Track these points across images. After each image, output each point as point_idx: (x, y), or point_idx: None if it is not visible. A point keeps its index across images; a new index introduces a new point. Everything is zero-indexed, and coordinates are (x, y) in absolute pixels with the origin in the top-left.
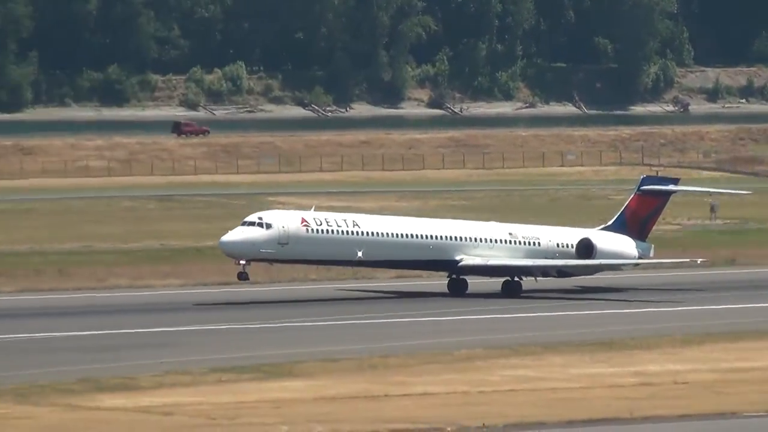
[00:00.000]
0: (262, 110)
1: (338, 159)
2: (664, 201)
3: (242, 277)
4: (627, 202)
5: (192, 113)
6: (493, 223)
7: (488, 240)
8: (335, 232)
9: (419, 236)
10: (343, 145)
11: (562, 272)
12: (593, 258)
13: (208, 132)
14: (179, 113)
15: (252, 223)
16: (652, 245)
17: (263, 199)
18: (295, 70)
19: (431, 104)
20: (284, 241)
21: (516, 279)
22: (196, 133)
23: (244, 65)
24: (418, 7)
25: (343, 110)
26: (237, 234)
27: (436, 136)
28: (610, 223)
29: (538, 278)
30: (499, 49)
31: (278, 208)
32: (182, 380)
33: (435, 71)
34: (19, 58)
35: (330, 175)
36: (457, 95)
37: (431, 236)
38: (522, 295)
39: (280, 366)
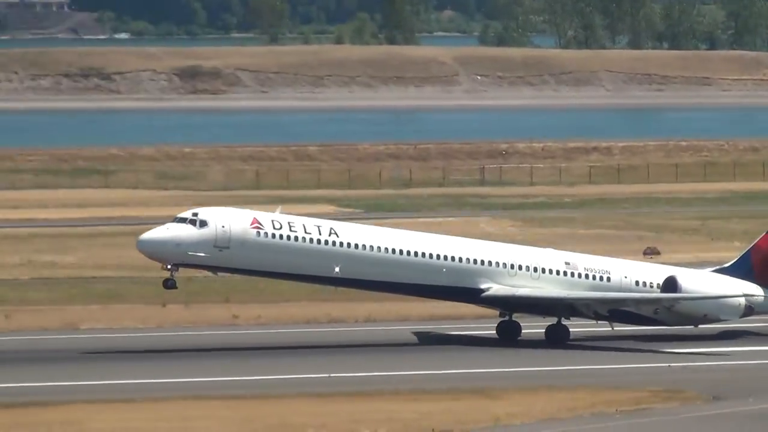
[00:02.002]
0: None
1: None
2: None
3: (168, 284)
4: (756, 242)
5: None
6: (548, 250)
7: (533, 268)
8: (301, 239)
9: (427, 255)
10: None
11: (620, 314)
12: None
13: None
14: None
15: (183, 220)
16: None
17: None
18: None
19: None
20: (223, 244)
21: (562, 322)
22: None
23: None
24: None
25: None
26: (160, 232)
27: None
28: (727, 265)
29: (601, 321)
30: None
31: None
32: None
33: None
34: None
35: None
36: None
37: (445, 257)
38: (571, 342)
39: None
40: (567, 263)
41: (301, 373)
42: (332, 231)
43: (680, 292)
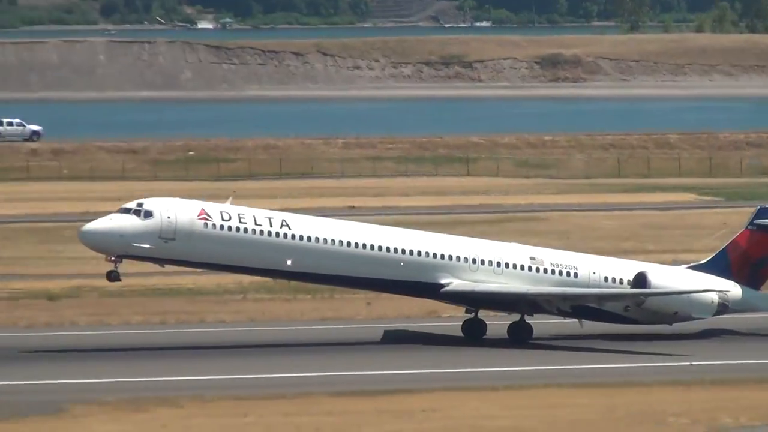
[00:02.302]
0: None
1: None
2: None
3: (112, 276)
4: (734, 238)
5: None
6: (513, 245)
7: (495, 263)
8: (251, 231)
9: (384, 248)
10: None
11: (586, 311)
12: (643, 299)
13: None
14: None
15: (128, 210)
16: None
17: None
18: None
19: None
20: (168, 235)
21: (526, 319)
22: None
23: None
24: None
25: None
26: (103, 223)
27: None
28: (702, 262)
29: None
30: None
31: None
32: None
33: None
34: None
35: None
36: None
37: (403, 250)
38: (533, 342)
39: None
40: (532, 258)
41: (660, 361)
42: (284, 223)
43: (649, 288)
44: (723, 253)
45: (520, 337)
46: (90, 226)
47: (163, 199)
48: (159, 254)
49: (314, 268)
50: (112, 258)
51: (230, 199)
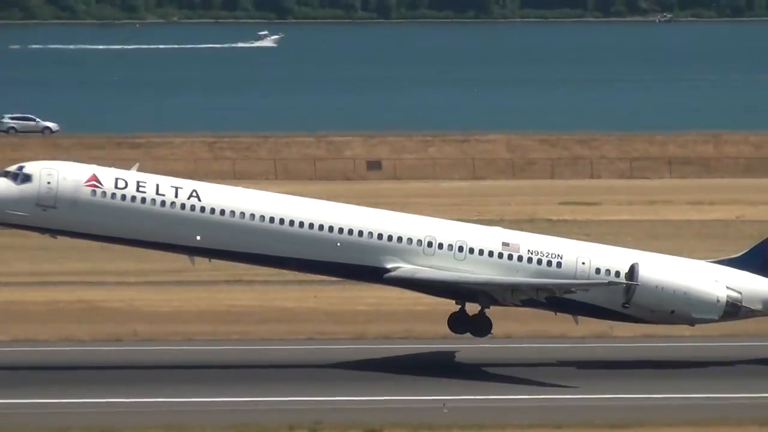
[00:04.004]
0: None
1: None
2: None
3: None
4: None
5: None
6: (494, 229)
7: (457, 247)
8: (149, 201)
9: (316, 227)
10: None
11: (566, 304)
12: (630, 293)
13: None
14: None
15: (7, 174)
16: None
17: None
18: None
19: None
20: (47, 203)
21: (482, 310)
22: None
23: None
24: None
25: None
26: None
27: None
28: (735, 256)
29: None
30: None
31: None
32: None
33: None
34: None
35: None
36: None
37: (341, 229)
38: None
39: None
40: (505, 244)
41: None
42: (194, 193)
43: (636, 281)
44: (759, 248)
45: (469, 329)
46: None
47: (47, 163)
48: (39, 223)
49: (228, 245)
50: None
51: (135, 165)
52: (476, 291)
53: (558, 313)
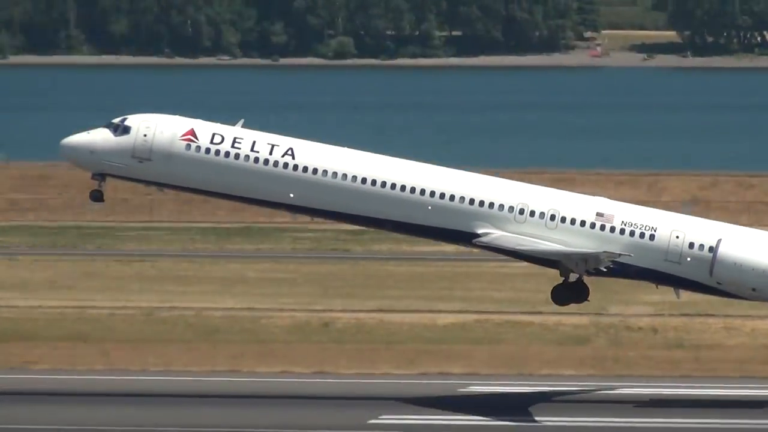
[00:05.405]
0: None
1: None
2: None
3: (94, 197)
4: None
5: None
6: (588, 198)
7: (549, 216)
8: (242, 157)
9: (408, 189)
10: None
11: (658, 276)
12: (712, 268)
13: None
14: None
15: (110, 125)
16: None
17: None
18: None
19: None
20: (143, 155)
21: (579, 277)
22: None
23: None
24: None
25: None
26: (79, 137)
27: None
28: None
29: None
30: None
31: None
32: None
33: None
34: None
35: None
36: None
37: (432, 193)
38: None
39: None
40: (599, 214)
41: None
42: (289, 152)
43: (715, 256)
44: None
45: (564, 298)
46: (68, 139)
47: (149, 116)
48: (136, 174)
49: (321, 204)
50: (95, 176)
51: (240, 121)
52: (550, 261)
53: (659, 286)
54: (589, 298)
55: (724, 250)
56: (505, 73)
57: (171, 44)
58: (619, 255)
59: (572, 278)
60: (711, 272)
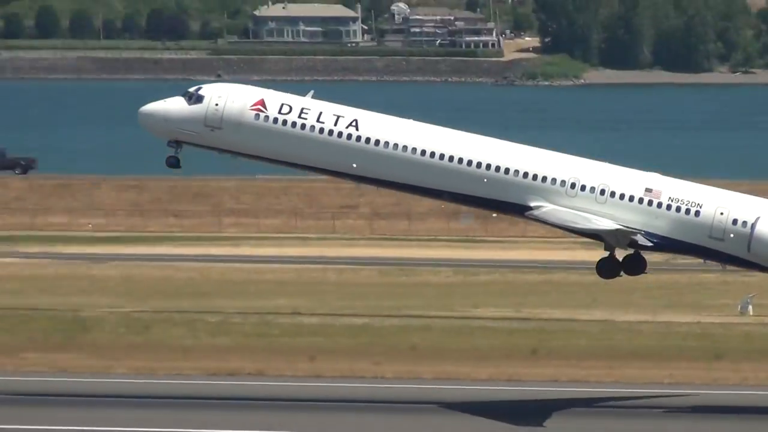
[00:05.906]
0: None
1: None
2: None
3: (170, 162)
4: None
5: None
6: (639, 173)
7: (599, 190)
8: (308, 128)
9: (465, 162)
10: None
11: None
12: (750, 244)
13: None
14: None
15: (185, 94)
16: None
17: None
18: None
19: None
20: (214, 123)
21: (636, 251)
22: None
23: None
24: None
25: None
26: (155, 105)
27: None
28: None
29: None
30: None
31: None
32: None
33: None
34: None
35: None
36: None
37: (488, 165)
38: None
39: None
40: (648, 190)
41: None
42: (353, 123)
43: (753, 233)
44: None
45: (608, 270)
46: (146, 107)
47: (222, 85)
48: (207, 142)
49: (382, 175)
50: (170, 143)
51: (311, 93)
52: (613, 237)
53: (707, 261)
54: (646, 271)
55: (761, 228)
56: None
57: None
58: (636, 232)
59: (621, 253)
60: (749, 248)
